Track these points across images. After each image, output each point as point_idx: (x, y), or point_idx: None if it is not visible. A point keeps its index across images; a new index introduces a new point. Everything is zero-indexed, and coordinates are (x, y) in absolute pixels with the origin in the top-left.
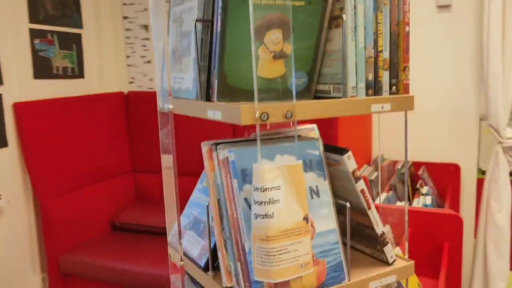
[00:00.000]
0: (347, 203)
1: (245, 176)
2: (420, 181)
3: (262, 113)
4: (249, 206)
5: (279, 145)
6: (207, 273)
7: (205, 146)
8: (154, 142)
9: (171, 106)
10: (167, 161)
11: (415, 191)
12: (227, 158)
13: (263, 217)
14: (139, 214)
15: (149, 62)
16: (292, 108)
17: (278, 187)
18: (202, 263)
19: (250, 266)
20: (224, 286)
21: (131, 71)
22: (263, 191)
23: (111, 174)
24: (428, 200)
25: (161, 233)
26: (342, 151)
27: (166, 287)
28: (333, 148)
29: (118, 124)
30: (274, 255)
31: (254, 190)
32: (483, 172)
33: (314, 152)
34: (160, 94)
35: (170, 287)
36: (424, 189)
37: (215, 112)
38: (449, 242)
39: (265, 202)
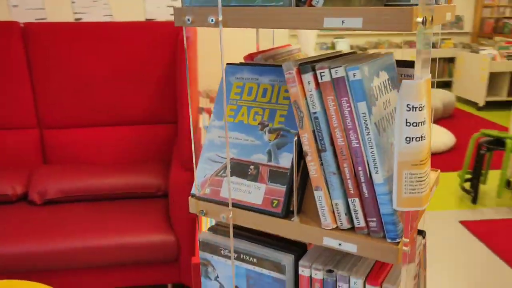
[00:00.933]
0: None
1: (371, 97)
2: None
3: (424, 17)
4: (379, 131)
5: (376, 62)
6: (291, 219)
7: (291, 68)
8: None
9: (221, 18)
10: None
11: None
12: (343, 78)
13: (418, 140)
14: None
15: None
16: (430, 12)
17: (424, 106)
18: (280, 209)
19: (383, 198)
20: (329, 228)
21: None
22: (421, 109)
23: None
24: None
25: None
26: None
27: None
28: (403, 62)
29: None
30: (425, 180)
31: (408, 110)
32: None
33: (393, 68)
34: (191, 2)
35: (199, 247)
36: None
37: (345, 19)
38: None
39: (421, 123)
